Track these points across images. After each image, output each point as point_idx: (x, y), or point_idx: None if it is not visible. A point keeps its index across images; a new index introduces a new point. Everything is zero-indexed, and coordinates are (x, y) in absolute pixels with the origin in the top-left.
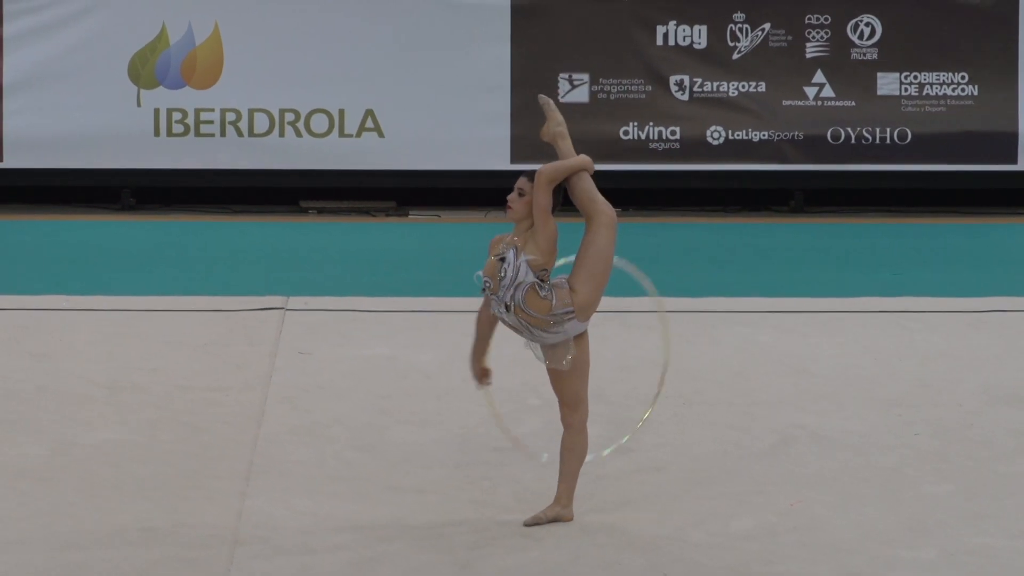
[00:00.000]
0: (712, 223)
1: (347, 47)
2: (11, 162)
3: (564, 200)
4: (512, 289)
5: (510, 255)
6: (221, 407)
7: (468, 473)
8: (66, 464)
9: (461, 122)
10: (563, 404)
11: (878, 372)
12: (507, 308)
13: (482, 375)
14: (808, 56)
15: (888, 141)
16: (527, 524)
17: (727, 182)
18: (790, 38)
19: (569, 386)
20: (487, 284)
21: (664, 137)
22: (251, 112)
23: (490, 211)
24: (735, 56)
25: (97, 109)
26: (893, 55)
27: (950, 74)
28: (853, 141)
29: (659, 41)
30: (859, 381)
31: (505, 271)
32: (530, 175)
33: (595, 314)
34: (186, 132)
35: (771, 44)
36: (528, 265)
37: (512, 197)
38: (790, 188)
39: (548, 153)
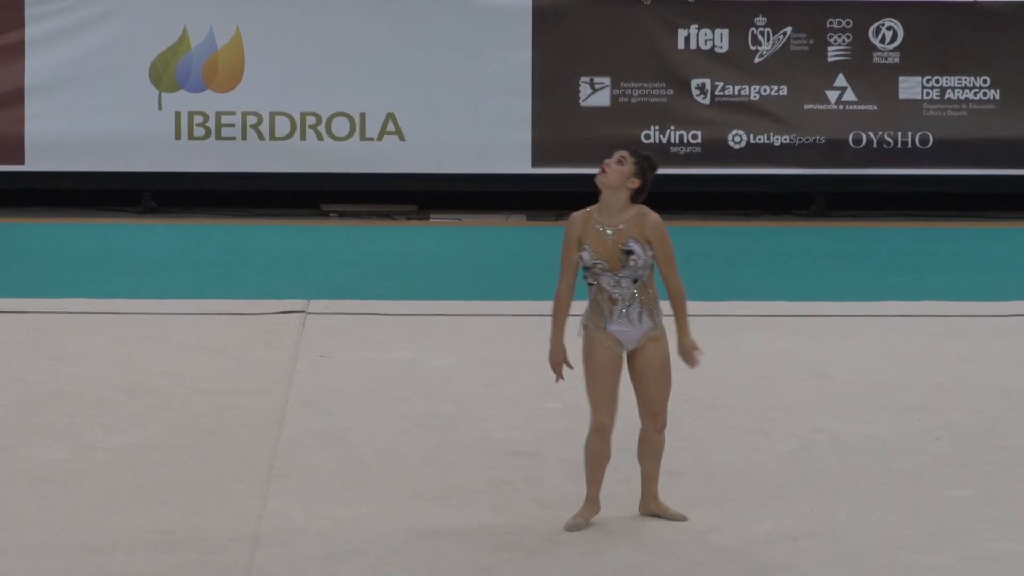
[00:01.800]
0: (733, 227)
1: (368, 51)
2: (32, 165)
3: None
4: (643, 269)
5: (636, 247)
6: (241, 411)
7: (489, 477)
8: (86, 468)
9: (482, 126)
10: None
11: (899, 377)
12: (634, 280)
13: (561, 366)
14: (830, 60)
15: (910, 145)
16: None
17: (748, 186)
18: (812, 42)
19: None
20: (598, 265)
21: (686, 141)
22: (272, 115)
23: (511, 214)
24: (757, 60)
25: (118, 112)
26: (915, 59)
27: (972, 78)
28: (875, 145)
29: (680, 45)
30: (880, 385)
31: (635, 260)
32: (633, 152)
33: None
34: (207, 135)
35: (793, 48)
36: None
37: (610, 163)
38: (812, 192)
39: (569, 159)
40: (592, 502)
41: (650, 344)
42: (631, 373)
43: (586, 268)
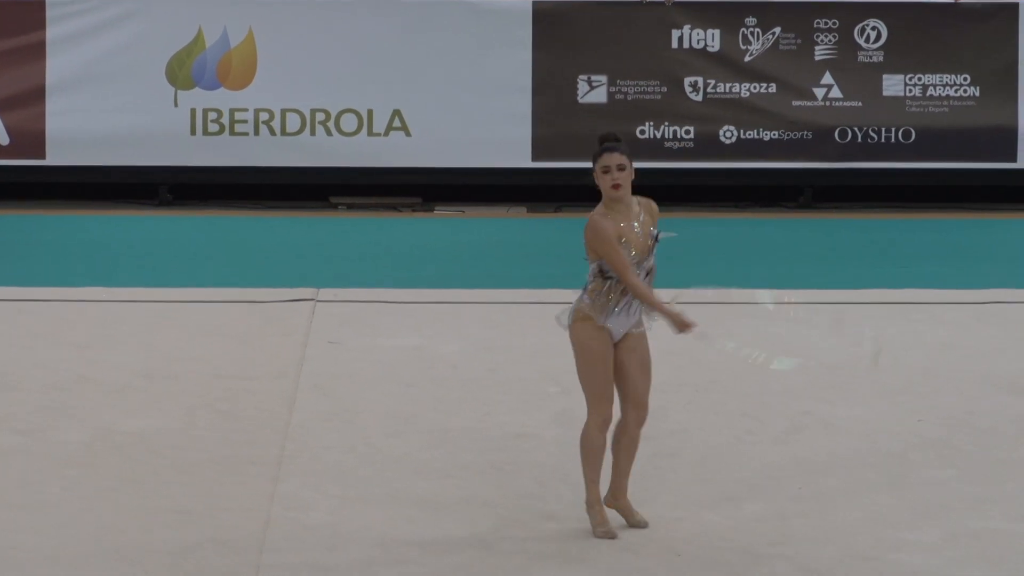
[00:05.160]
0: (725, 218)
1: (375, 50)
2: (54, 159)
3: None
4: (653, 257)
5: (660, 233)
6: (255, 395)
7: (491, 458)
8: (107, 450)
9: (484, 122)
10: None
11: (885, 361)
12: (647, 273)
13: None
14: (817, 59)
15: (893, 140)
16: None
17: (739, 179)
18: (799, 41)
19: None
20: (633, 258)
21: (679, 136)
22: (283, 112)
23: (512, 206)
24: (747, 59)
25: (136, 109)
26: (898, 58)
27: (953, 76)
28: (860, 140)
29: (674, 44)
30: (866, 370)
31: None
32: (620, 145)
33: None
34: (221, 131)
35: (781, 47)
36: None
37: (619, 176)
38: (800, 185)
39: (567, 153)
40: (598, 503)
41: (634, 334)
42: (615, 364)
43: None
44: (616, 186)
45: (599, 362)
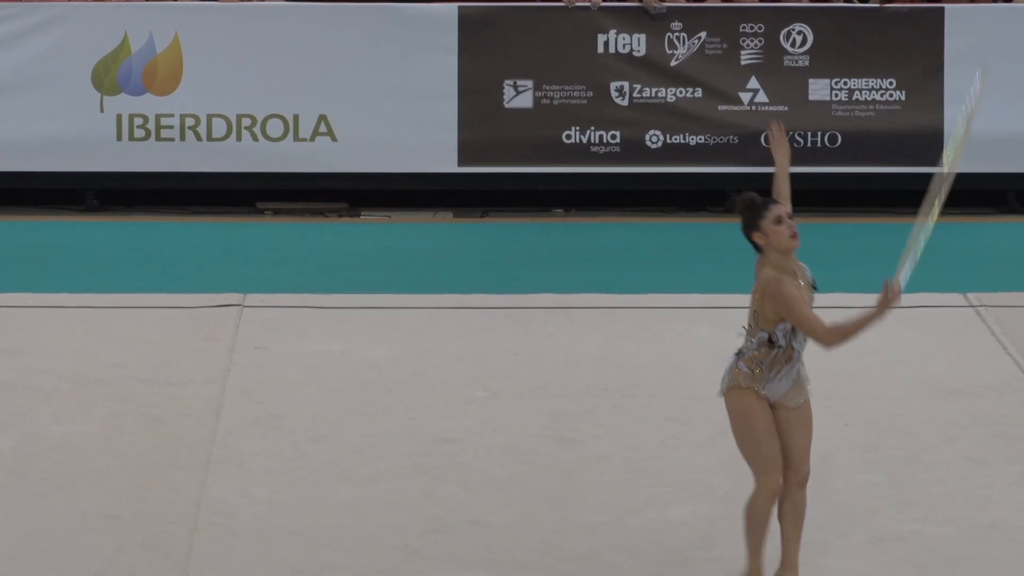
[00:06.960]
0: (651, 223)
1: (302, 55)
2: None
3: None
4: None
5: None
6: (182, 400)
7: (417, 463)
8: (34, 455)
9: (410, 127)
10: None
11: (811, 365)
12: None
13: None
14: (743, 63)
15: (819, 144)
16: None
17: (666, 184)
18: (725, 46)
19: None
20: None
21: (605, 141)
22: (209, 117)
23: (438, 211)
24: (673, 63)
25: (62, 115)
26: (824, 62)
27: (878, 80)
28: None
29: (600, 49)
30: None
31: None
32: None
33: (540, 310)
34: (147, 137)
35: (707, 52)
36: None
37: (793, 224)
38: (725, 189)
39: (494, 158)
40: (757, 571)
41: (796, 394)
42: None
43: (793, 330)
44: (795, 234)
45: (764, 432)
